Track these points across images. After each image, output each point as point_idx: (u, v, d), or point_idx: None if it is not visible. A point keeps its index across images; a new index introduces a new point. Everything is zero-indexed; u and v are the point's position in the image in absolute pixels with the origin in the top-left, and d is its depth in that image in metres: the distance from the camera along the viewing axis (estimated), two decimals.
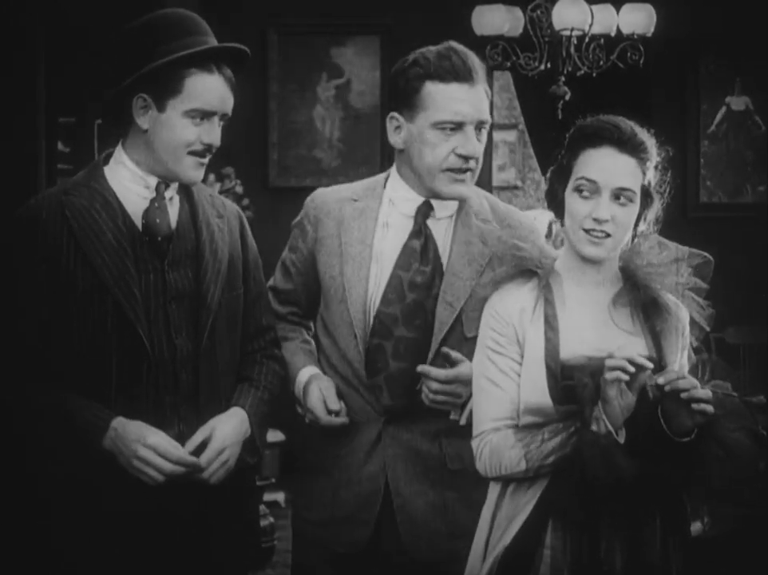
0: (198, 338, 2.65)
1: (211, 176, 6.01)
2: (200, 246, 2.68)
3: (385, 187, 2.85)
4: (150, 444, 2.52)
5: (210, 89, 2.61)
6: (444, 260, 2.78)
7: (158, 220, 2.64)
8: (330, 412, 2.75)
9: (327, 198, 2.89)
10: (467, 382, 2.66)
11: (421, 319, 2.76)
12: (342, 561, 2.82)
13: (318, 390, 2.77)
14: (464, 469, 2.77)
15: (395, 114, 2.78)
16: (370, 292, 2.78)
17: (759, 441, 2.47)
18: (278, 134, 7.02)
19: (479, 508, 2.72)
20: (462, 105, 2.71)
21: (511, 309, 2.55)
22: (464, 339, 2.76)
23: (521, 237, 2.72)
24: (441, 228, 2.81)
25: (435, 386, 2.68)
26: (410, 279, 2.76)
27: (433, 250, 2.78)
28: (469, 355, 2.72)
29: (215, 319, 2.68)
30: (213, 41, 2.65)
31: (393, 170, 2.86)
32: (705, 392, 2.39)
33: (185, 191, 2.72)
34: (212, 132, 2.63)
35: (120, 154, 2.68)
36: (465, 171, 2.74)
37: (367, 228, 2.81)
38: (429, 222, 2.80)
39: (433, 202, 2.80)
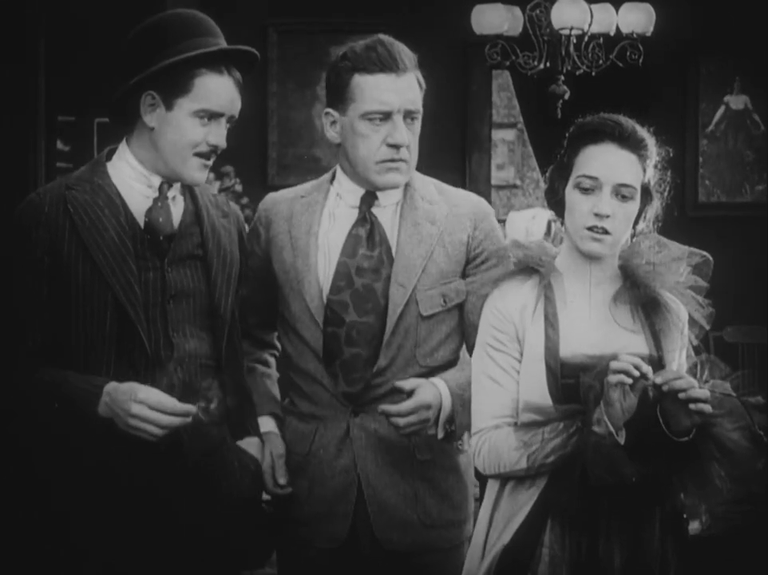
0: (205, 336, 2.67)
1: (211, 175, 5.98)
2: (206, 247, 2.70)
3: (332, 183, 2.88)
4: (141, 398, 2.49)
5: (219, 89, 2.62)
6: (393, 244, 2.80)
7: (161, 219, 2.64)
8: (277, 485, 2.80)
9: (278, 199, 2.92)
10: (430, 405, 2.70)
11: (373, 303, 2.77)
12: (325, 556, 2.83)
13: (269, 456, 2.81)
14: (432, 459, 2.80)
15: (329, 110, 2.82)
16: (321, 281, 2.79)
17: (757, 441, 2.47)
18: (277, 133, 7.01)
19: (449, 498, 2.79)
20: (388, 95, 2.73)
21: (511, 307, 2.55)
22: (420, 318, 2.78)
23: (468, 215, 2.80)
24: (387, 214, 2.83)
25: (401, 421, 2.69)
26: (357, 265, 2.78)
27: (379, 235, 2.80)
28: (430, 334, 2.79)
29: (224, 318, 2.69)
30: (224, 43, 2.66)
31: (338, 165, 2.89)
32: (703, 392, 2.39)
33: (188, 191, 2.72)
34: (219, 134, 2.64)
35: (124, 151, 2.68)
36: (397, 161, 2.77)
37: (313, 220, 2.83)
38: (375, 210, 2.82)
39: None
